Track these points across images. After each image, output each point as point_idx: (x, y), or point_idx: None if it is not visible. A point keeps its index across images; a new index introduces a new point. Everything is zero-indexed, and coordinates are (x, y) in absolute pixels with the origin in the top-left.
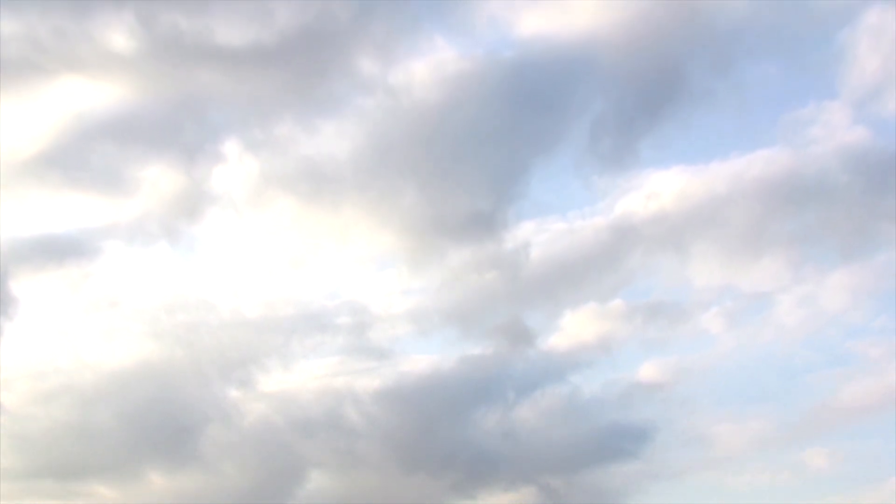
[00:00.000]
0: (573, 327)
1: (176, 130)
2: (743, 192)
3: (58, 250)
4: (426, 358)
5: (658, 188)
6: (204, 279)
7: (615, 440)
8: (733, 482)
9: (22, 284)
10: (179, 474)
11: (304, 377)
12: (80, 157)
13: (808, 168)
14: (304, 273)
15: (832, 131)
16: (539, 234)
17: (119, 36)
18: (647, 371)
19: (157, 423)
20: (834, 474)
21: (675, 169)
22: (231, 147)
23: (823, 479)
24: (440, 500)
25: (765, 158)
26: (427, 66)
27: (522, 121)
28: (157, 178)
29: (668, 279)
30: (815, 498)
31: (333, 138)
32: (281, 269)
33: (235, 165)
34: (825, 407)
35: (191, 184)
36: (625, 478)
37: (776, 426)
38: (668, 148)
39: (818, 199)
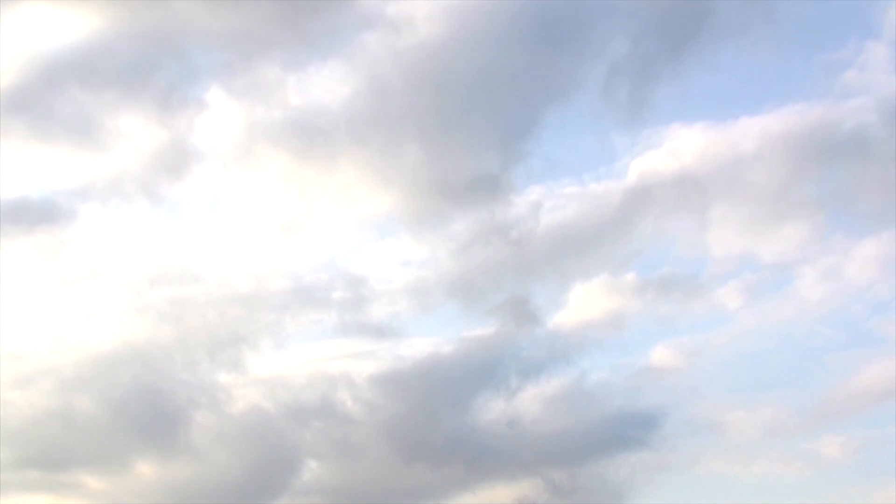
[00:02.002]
0: (582, 302)
1: (152, 73)
2: (770, 151)
3: (28, 215)
4: (426, 340)
5: (678, 146)
6: (189, 247)
7: (623, 428)
8: (743, 473)
9: None
10: (170, 464)
11: (298, 360)
12: (45, 103)
13: (842, 122)
14: (297, 240)
15: (872, 75)
16: (549, 199)
17: None
18: (659, 353)
19: (144, 410)
20: (849, 464)
21: (698, 125)
22: (214, 94)
23: (838, 470)
24: (439, 493)
25: (796, 113)
26: None
27: (535, 61)
28: (134, 130)
29: (684, 247)
30: (828, 489)
31: (327, 83)
32: (272, 236)
33: (219, 116)
34: (842, 391)
35: (171, 137)
36: (631, 468)
37: (790, 412)
38: (692, 98)
39: (851, 156)
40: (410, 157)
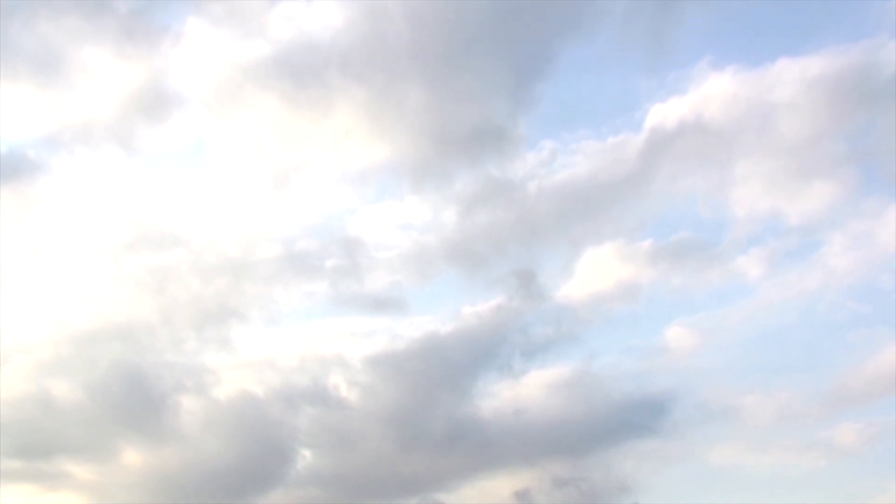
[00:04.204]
0: (592, 271)
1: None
2: (806, 98)
3: None
4: (425, 318)
5: (706, 92)
6: (169, 204)
7: (631, 414)
8: (755, 462)
9: None
10: (158, 454)
11: (290, 340)
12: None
13: (887, 64)
14: (287, 195)
15: None
16: (562, 154)
17: None
18: (673, 332)
19: (128, 395)
20: (866, 453)
21: (729, 69)
22: (191, 24)
23: (854, 459)
24: (438, 484)
25: (839, 53)
26: None
27: None
28: (102, 66)
29: (705, 208)
30: (843, 480)
31: (317, 12)
32: (260, 190)
33: (197, 51)
34: (862, 373)
35: (145, 75)
36: (638, 458)
37: (807, 397)
38: (723, 35)
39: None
40: (411, 102)
